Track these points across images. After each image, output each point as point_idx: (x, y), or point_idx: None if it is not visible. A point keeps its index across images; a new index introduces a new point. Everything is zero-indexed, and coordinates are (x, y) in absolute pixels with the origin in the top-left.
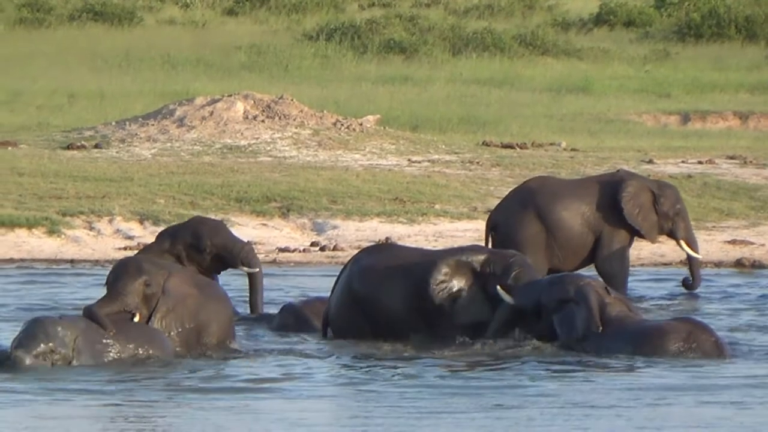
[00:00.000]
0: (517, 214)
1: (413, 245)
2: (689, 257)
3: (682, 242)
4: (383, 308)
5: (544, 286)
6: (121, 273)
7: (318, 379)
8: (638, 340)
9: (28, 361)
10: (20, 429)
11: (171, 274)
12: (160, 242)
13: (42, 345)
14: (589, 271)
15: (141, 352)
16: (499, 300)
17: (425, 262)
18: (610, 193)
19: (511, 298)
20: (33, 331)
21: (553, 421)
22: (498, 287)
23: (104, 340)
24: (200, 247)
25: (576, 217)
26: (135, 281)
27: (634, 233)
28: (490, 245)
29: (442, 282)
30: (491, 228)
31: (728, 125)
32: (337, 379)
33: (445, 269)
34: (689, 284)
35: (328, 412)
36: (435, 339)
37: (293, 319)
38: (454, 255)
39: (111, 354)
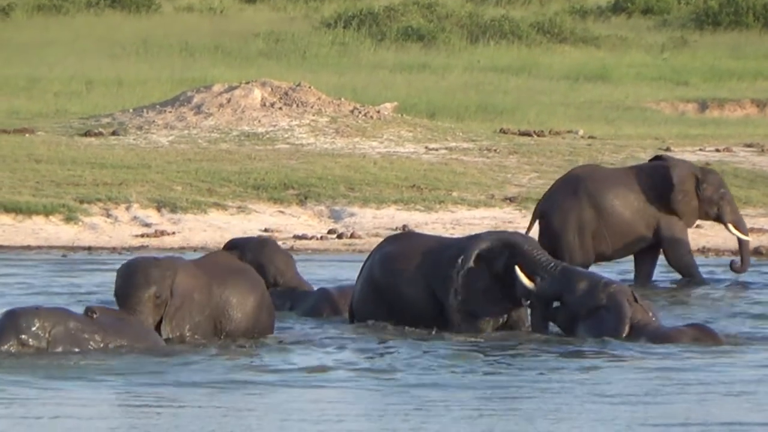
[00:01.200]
0: (567, 202)
1: (431, 233)
2: (739, 240)
3: (730, 225)
4: (402, 296)
5: (568, 282)
6: (130, 285)
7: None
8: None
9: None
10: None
11: (177, 271)
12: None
13: (12, 338)
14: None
15: (124, 344)
16: (514, 289)
17: (441, 250)
18: (659, 180)
19: (530, 283)
20: (3, 324)
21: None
22: (517, 268)
23: (85, 333)
24: (265, 276)
25: (626, 205)
26: (145, 293)
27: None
28: (537, 235)
29: (458, 271)
30: (540, 216)
31: (746, 113)
32: (350, 367)
33: (460, 258)
34: (737, 267)
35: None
36: (452, 328)
37: (327, 305)
38: (470, 243)
39: (91, 346)
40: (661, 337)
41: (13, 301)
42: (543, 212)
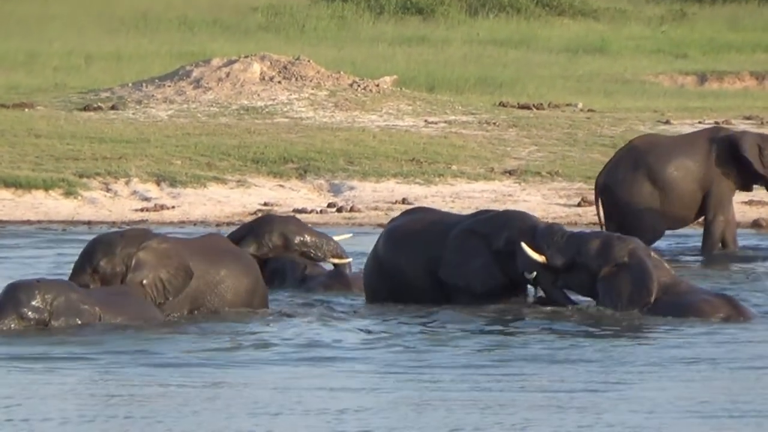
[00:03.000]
0: (629, 175)
1: (430, 206)
2: None
3: None
4: (403, 272)
5: (578, 246)
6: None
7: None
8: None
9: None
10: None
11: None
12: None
13: (12, 311)
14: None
15: (124, 319)
16: (514, 265)
17: (441, 227)
18: (723, 149)
19: (539, 256)
20: (3, 297)
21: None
22: (523, 244)
23: (86, 305)
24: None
25: (687, 175)
26: (87, 266)
27: (740, 187)
28: (600, 209)
29: (455, 248)
30: (601, 191)
31: (745, 86)
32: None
33: (458, 235)
34: None
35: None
36: (451, 305)
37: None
38: (469, 220)
39: (92, 318)
40: (688, 305)
41: (12, 275)
42: (606, 187)
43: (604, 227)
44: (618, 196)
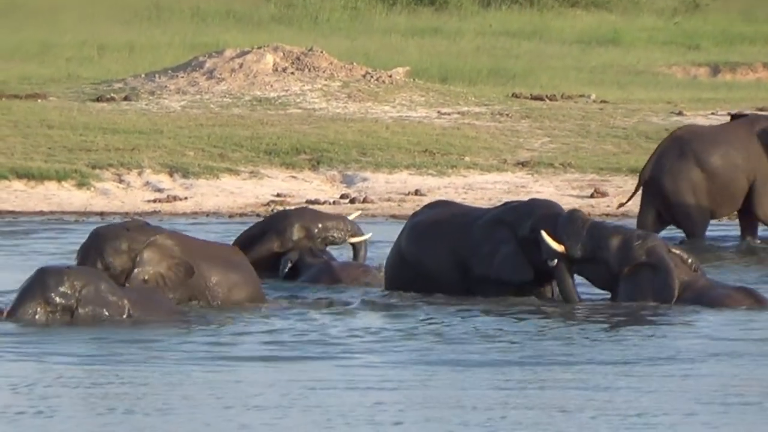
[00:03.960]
0: (676, 166)
1: (442, 197)
2: None
3: None
4: (426, 265)
5: (600, 239)
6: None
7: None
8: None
9: (24, 311)
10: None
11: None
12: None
13: (39, 297)
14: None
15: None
16: (539, 253)
17: (465, 219)
18: (766, 137)
19: (557, 245)
20: (31, 282)
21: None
22: (543, 232)
23: (114, 295)
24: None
25: (732, 163)
26: (95, 263)
27: None
28: (642, 201)
29: (484, 237)
30: (647, 182)
31: (758, 77)
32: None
33: (485, 224)
34: None
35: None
36: (475, 296)
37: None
38: (496, 210)
39: (119, 309)
40: (711, 300)
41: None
42: (652, 178)
43: (637, 218)
44: (665, 186)
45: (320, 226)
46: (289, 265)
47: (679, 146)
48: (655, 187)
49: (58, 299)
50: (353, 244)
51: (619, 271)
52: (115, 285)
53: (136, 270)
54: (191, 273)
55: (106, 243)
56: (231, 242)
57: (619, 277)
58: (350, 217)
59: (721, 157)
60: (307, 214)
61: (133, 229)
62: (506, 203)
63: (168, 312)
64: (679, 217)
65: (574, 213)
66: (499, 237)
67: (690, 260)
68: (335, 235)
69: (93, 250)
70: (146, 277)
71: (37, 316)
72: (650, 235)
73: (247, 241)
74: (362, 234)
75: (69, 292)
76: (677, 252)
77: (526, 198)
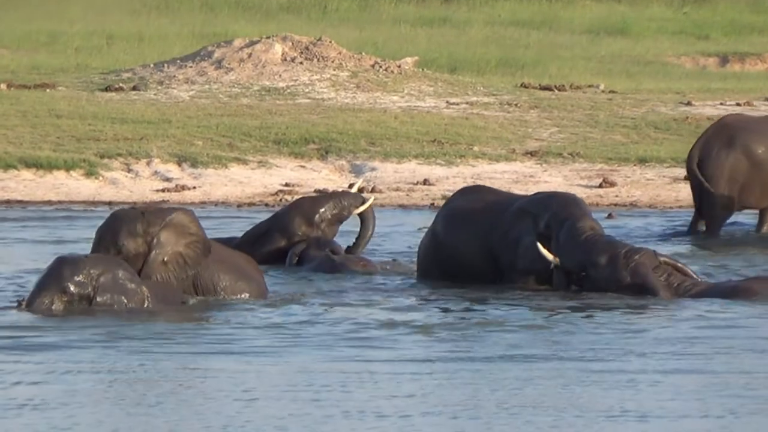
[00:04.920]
0: (722, 152)
1: (451, 187)
2: None
3: None
4: (460, 252)
5: (590, 254)
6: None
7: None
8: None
9: (41, 301)
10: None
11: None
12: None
13: (55, 285)
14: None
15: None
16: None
17: (498, 207)
18: None
19: (551, 256)
20: (48, 272)
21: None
22: (538, 243)
23: (133, 283)
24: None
25: None
26: (108, 249)
27: None
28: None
29: (510, 226)
30: (694, 167)
31: (767, 67)
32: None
33: (512, 213)
34: None
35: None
36: (501, 285)
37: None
38: (521, 203)
39: (137, 298)
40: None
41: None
42: (700, 161)
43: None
44: (707, 171)
45: (320, 211)
46: (296, 259)
47: (728, 134)
48: (700, 170)
49: (74, 288)
50: (360, 215)
51: (605, 289)
52: (134, 273)
53: (153, 252)
54: (209, 250)
55: (122, 225)
56: (239, 234)
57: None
58: (353, 189)
59: None
60: (305, 203)
61: (149, 212)
62: (535, 194)
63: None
64: (704, 205)
65: (575, 225)
66: (522, 227)
67: (683, 266)
68: (336, 212)
69: (108, 232)
70: (165, 258)
71: (54, 306)
72: (637, 251)
73: (253, 240)
74: (365, 201)
75: (86, 280)
76: (668, 261)
77: (534, 188)
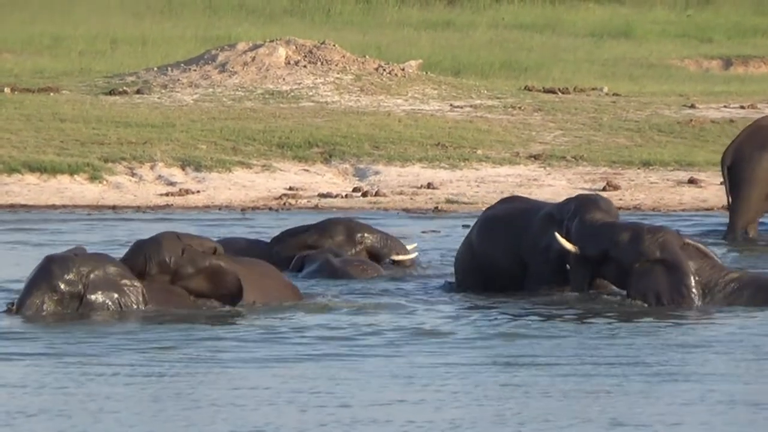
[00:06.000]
0: (756, 154)
1: (455, 191)
2: None
3: None
4: (496, 260)
5: (612, 235)
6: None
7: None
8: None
9: (32, 302)
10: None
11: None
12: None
13: (43, 284)
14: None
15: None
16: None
17: (529, 215)
18: None
19: (572, 246)
20: (36, 272)
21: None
22: (556, 234)
23: (125, 279)
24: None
25: None
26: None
27: None
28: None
29: (538, 232)
30: (728, 167)
31: None
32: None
33: (540, 219)
34: None
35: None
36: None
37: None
38: (549, 209)
39: (131, 294)
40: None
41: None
42: (732, 163)
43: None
44: (741, 173)
45: (366, 235)
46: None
47: (763, 136)
48: (731, 172)
49: (64, 286)
50: (395, 262)
51: (629, 267)
52: (127, 269)
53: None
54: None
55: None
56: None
57: (629, 275)
58: (410, 248)
59: None
60: (357, 222)
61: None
62: (566, 200)
63: (186, 306)
64: (735, 201)
65: (587, 216)
66: (550, 233)
67: (707, 251)
68: (377, 246)
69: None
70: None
71: (44, 306)
72: (661, 228)
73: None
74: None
75: (76, 278)
76: (693, 244)
77: (538, 191)
